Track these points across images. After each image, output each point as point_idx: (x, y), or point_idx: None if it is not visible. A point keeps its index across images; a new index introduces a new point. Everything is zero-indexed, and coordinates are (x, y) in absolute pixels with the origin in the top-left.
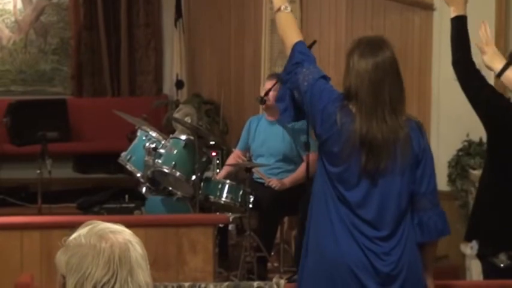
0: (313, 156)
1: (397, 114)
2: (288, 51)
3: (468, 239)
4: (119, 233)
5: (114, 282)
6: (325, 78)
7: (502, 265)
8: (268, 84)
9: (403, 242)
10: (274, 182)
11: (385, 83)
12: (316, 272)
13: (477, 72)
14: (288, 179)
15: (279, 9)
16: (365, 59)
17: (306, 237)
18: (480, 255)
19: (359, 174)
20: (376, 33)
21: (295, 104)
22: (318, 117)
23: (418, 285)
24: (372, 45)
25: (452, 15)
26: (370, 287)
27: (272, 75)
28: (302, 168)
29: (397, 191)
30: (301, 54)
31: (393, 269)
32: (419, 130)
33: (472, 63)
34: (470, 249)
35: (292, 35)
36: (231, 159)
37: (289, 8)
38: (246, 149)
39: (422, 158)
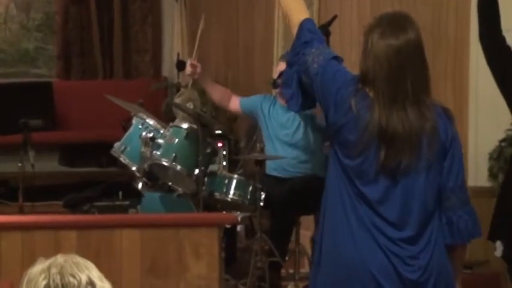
0: None
1: (421, 105)
2: (295, 30)
3: (491, 239)
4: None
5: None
6: (337, 59)
7: None
8: (282, 65)
9: (431, 245)
10: None
11: (406, 70)
12: (331, 279)
13: (506, 49)
14: None
15: None
16: (385, 41)
17: (319, 240)
18: (505, 258)
19: (377, 170)
20: (403, 9)
21: (304, 90)
22: (330, 103)
23: None
24: (394, 25)
25: None
26: None
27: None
28: None
29: (422, 188)
30: (310, 32)
31: (421, 275)
32: (447, 116)
33: (501, 39)
34: (495, 250)
35: (298, 12)
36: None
37: None
38: (246, 110)
39: (450, 148)
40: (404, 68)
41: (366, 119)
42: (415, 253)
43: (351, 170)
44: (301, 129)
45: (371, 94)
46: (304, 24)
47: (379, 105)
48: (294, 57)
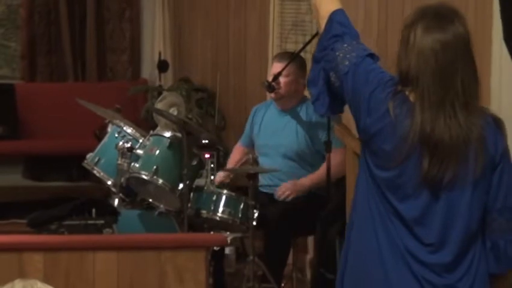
0: (336, 155)
1: (470, 109)
2: (323, 22)
3: None
4: None
5: None
6: (373, 56)
7: None
8: (277, 66)
9: (472, 272)
10: (284, 190)
11: (456, 67)
12: None
13: None
14: (307, 180)
15: None
16: (431, 35)
17: (343, 264)
18: None
19: (418, 182)
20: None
21: (331, 90)
22: (363, 107)
23: None
24: (440, 18)
25: None
26: None
27: (282, 55)
28: (325, 167)
29: (466, 207)
30: (342, 25)
31: None
32: (497, 127)
33: None
34: None
35: (328, 1)
36: (236, 156)
37: None
38: (251, 145)
39: (499, 163)
40: (453, 65)
41: (405, 126)
42: (452, 281)
43: (383, 183)
44: (300, 139)
45: (411, 97)
46: (334, 16)
47: (422, 108)
48: (321, 52)
